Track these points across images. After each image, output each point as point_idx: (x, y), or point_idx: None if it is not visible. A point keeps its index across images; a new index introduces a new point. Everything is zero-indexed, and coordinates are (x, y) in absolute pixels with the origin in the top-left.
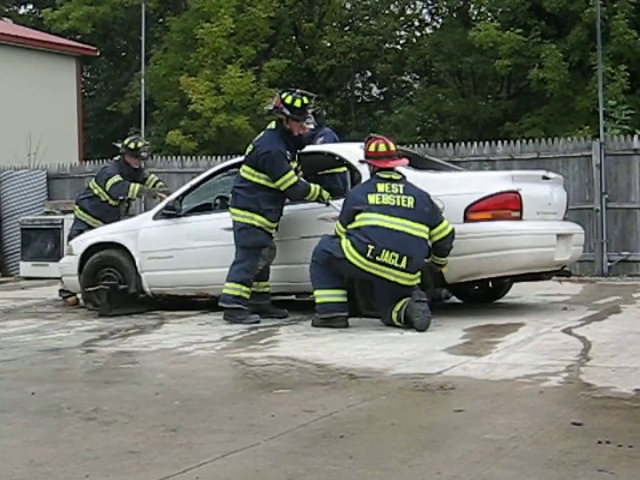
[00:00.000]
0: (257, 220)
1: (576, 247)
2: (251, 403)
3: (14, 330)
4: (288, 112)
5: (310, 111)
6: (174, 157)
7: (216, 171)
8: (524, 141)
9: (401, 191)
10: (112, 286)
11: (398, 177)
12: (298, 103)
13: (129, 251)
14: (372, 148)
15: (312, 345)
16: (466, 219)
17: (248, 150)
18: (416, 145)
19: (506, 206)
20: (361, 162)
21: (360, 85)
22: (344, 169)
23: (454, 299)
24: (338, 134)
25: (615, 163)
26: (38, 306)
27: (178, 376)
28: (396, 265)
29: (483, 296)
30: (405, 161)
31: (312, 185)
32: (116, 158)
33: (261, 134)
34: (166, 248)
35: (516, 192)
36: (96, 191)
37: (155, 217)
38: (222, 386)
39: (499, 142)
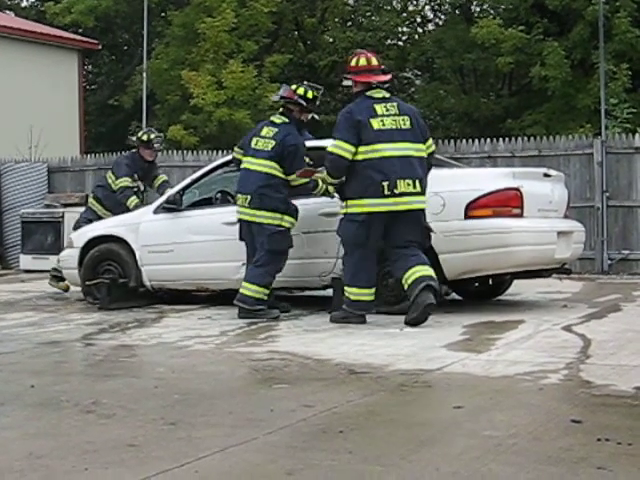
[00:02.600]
0: (286, 221)
1: (577, 245)
2: (250, 398)
3: (13, 323)
4: (304, 103)
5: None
6: (175, 151)
7: (217, 166)
8: (525, 138)
9: (397, 111)
10: (112, 280)
11: (388, 95)
12: (310, 94)
13: (129, 245)
14: (353, 63)
15: (312, 340)
16: (467, 216)
17: (269, 146)
18: None
19: (507, 203)
20: (344, 79)
21: None
22: None
23: (454, 295)
24: None
25: (616, 161)
26: (38, 299)
27: (177, 370)
28: (413, 191)
29: (483, 293)
30: (388, 76)
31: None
32: (133, 151)
33: (276, 129)
34: (166, 242)
35: (517, 189)
36: (109, 180)
37: (156, 211)
38: (221, 380)
39: (500, 139)
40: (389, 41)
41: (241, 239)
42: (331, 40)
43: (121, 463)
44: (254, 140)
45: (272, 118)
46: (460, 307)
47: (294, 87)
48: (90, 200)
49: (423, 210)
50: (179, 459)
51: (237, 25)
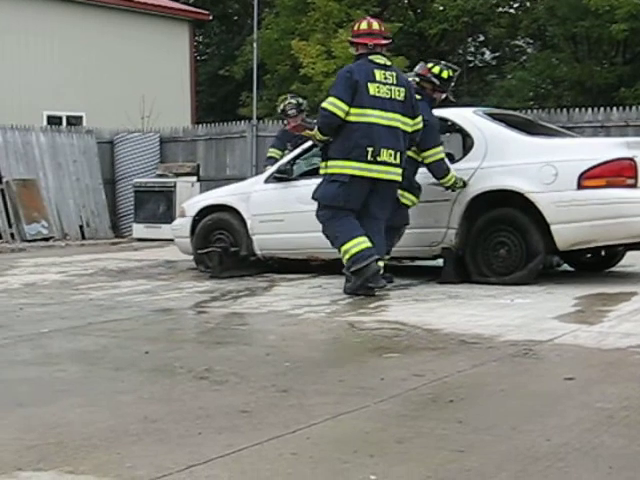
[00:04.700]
0: (407, 198)
1: None
2: (361, 366)
3: (127, 290)
4: (438, 82)
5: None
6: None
7: None
8: None
9: (394, 81)
10: (224, 248)
11: (389, 62)
12: (445, 74)
13: (241, 214)
14: (355, 27)
15: (422, 310)
16: (580, 186)
17: (418, 126)
18: (529, 110)
19: (621, 173)
20: (350, 44)
21: (472, 49)
22: None
23: (566, 267)
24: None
25: None
26: (150, 267)
27: (288, 338)
28: (393, 162)
29: (595, 264)
30: (387, 41)
31: (453, 171)
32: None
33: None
34: (277, 211)
35: (631, 159)
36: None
37: (267, 181)
38: (332, 349)
39: (614, 108)
40: (500, 9)
41: None
42: (441, 8)
43: (234, 429)
44: None
45: None
46: (571, 278)
47: (430, 65)
48: None
49: (396, 183)
50: (290, 426)
51: None
